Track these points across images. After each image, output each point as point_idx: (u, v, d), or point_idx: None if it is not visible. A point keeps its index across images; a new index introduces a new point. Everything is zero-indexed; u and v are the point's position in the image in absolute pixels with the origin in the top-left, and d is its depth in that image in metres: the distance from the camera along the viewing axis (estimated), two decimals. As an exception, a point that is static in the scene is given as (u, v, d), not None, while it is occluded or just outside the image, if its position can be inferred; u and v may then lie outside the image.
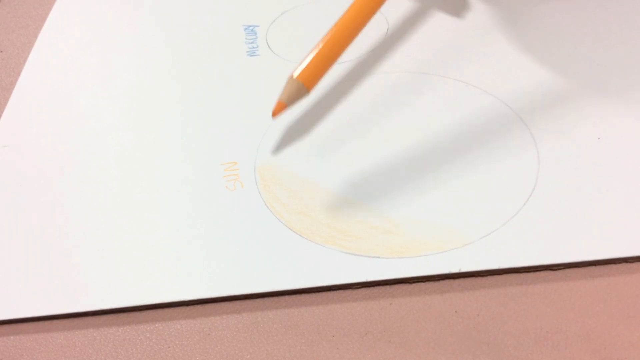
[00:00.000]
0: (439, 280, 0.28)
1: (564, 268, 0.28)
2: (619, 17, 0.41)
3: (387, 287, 0.28)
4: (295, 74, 0.33)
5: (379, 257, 0.28)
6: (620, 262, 0.28)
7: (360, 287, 0.28)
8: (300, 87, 0.33)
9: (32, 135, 0.36)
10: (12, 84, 0.40)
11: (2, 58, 0.43)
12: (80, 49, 0.43)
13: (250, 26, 0.44)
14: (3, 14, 0.48)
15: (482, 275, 0.28)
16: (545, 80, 0.37)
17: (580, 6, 0.42)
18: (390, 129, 0.35)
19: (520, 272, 0.28)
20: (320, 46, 0.34)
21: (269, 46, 0.42)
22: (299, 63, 0.34)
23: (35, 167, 0.34)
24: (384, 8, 0.43)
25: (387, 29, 0.42)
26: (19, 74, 0.41)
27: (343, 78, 0.38)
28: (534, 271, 0.28)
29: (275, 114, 0.33)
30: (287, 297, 0.28)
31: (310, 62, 0.34)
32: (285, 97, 0.33)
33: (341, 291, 0.28)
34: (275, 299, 0.28)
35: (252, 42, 0.42)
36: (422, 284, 0.28)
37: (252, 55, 0.41)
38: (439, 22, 0.42)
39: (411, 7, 0.43)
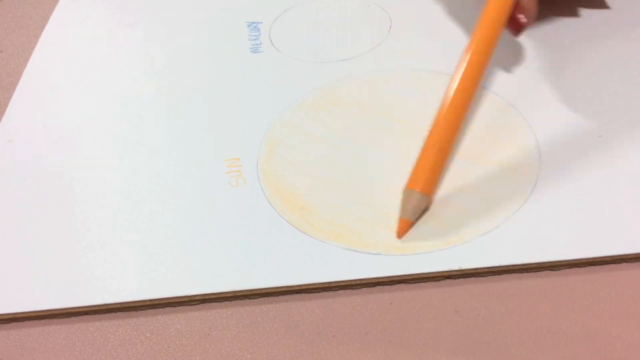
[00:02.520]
0: (439, 279, 0.28)
1: (564, 267, 0.28)
2: (619, 17, 0.40)
3: (387, 287, 0.28)
4: (414, 187, 0.30)
5: (379, 254, 0.28)
6: (620, 262, 0.28)
7: (360, 287, 0.28)
8: (422, 198, 0.30)
9: (36, 132, 0.36)
10: (13, 84, 0.40)
11: (2, 58, 0.43)
12: (83, 47, 0.43)
13: (253, 23, 0.44)
14: (3, 14, 0.48)
15: (482, 275, 0.28)
16: (547, 78, 0.36)
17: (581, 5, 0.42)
18: (392, 126, 0.35)
19: (520, 272, 0.28)
20: (428, 149, 0.31)
21: (272, 43, 0.42)
22: (412, 172, 0.31)
23: (39, 163, 0.35)
24: (387, 6, 0.43)
25: (390, 27, 0.42)
26: (19, 74, 0.41)
27: (345, 75, 0.38)
28: (534, 271, 0.28)
29: (400, 234, 0.29)
30: (287, 297, 0.28)
31: (424, 170, 0.30)
32: (409, 214, 0.30)
33: (341, 291, 0.28)
34: (276, 298, 0.28)
35: (255, 39, 0.42)
36: (422, 283, 0.28)
37: (255, 52, 0.41)
38: (441, 20, 0.42)
39: (414, 5, 0.43)
